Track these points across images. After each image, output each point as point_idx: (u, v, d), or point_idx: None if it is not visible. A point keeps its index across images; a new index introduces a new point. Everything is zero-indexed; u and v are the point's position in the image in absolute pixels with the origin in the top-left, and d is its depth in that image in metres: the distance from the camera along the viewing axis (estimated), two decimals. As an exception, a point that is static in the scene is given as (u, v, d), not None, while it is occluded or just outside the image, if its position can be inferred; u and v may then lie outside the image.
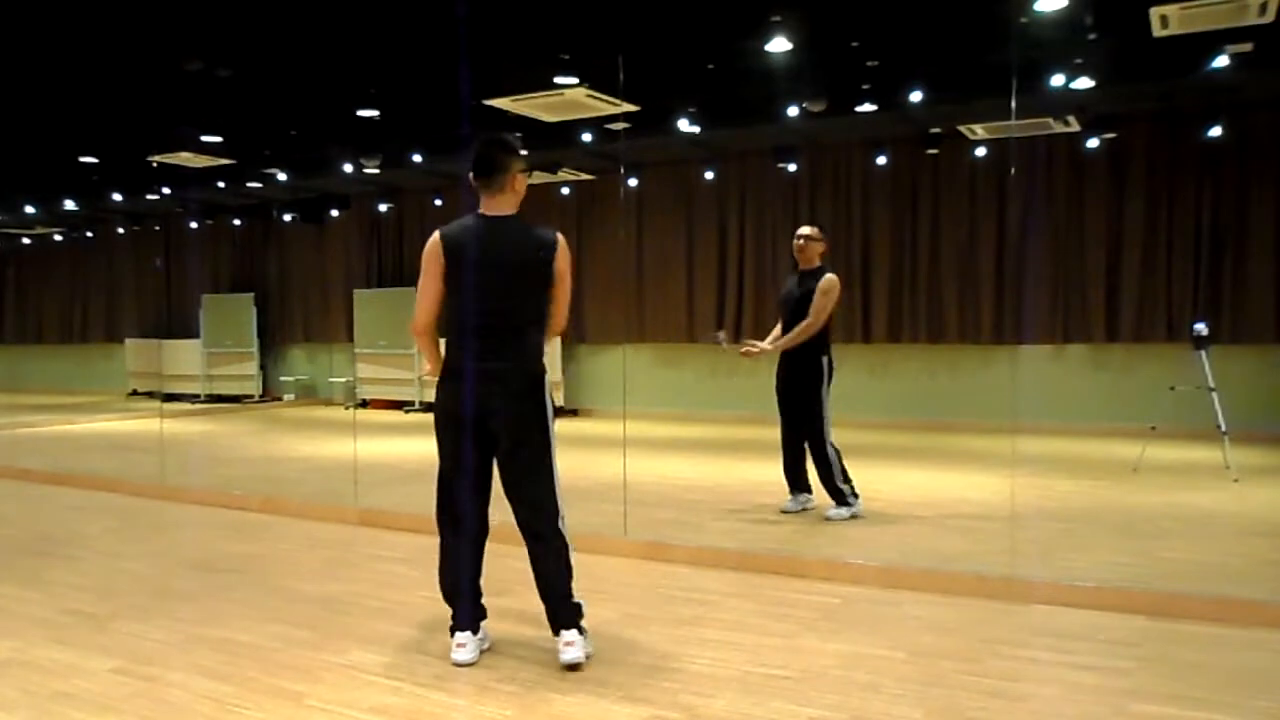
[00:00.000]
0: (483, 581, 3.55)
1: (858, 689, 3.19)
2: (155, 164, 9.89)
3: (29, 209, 13.44)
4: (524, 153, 3.53)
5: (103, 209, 13.84)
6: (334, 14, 5.99)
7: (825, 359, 5.62)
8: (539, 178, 10.67)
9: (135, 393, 15.13)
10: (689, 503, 6.31)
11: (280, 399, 14.22)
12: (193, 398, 14.44)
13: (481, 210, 3.45)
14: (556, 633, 3.41)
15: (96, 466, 8.11)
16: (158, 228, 14.60)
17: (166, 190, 12.36)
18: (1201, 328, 7.37)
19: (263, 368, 14.38)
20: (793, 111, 8.16)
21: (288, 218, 13.49)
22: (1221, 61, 6.61)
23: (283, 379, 14.37)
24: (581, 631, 3.41)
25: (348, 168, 10.80)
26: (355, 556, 5.14)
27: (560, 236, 3.51)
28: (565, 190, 11.72)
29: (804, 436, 5.72)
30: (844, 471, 5.66)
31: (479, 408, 3.36)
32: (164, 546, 5.46)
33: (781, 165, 10.26)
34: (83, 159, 10.10)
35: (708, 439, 9.63)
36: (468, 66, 6.57)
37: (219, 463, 8.41)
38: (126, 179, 11.55)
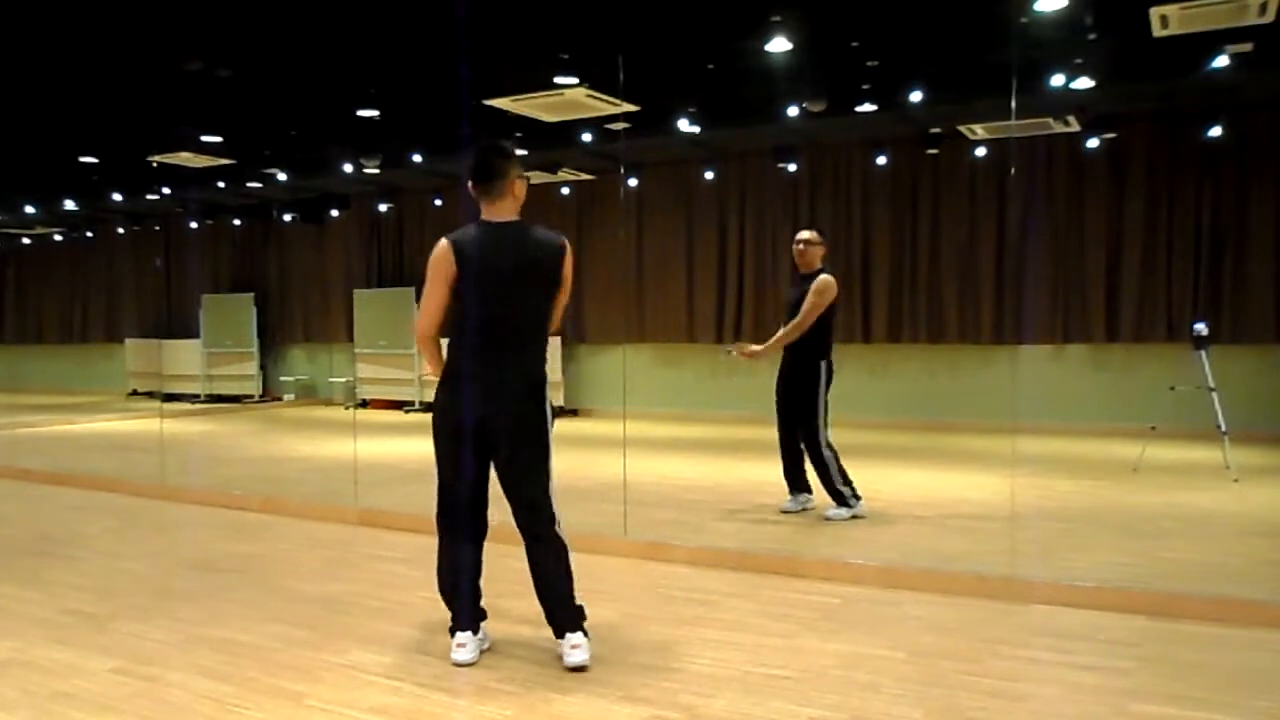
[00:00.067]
0: (482, 582, 3.55)
1: (858, 689, 3.19)
2: (155, 164, 9.89)
3: (29, 209, 13.44)
4: (523, 153, 3.54)
5: (103, 209, 13.84)
6: (334, 14, 5.99)
7: (824, 363, 5.62)
8: (539, 178, 10.67)
9: (135, 393, 15.13)
10: (689, 503, 6.30)
11: (280, 399, 14.22)
12: (193, 398, 14.44)
13: (485, 217, 3.45)
14: (560, 635, 3.41)
15: (96, 466, 8.11)
16: (158, 228, 14.60)
17: (166, 190, 12.36)
18: (1201, 328, 7.37)
19: (263, 368, 14.38)
20: (793, 111, 8.16)
21: (288, 218, 13.49)
22: (1221, 61, 6.61)
23: (283, 379, 14.37)
24: (585, 634, 3.41)
25: (348, 168, 10.80)
26: (355, 556, 5.14)
27: (565, 240, 3.53)
28: (565, 190, 11.72)
29: (799, 438, 5.73)
30: (843, 473, 5.66)
31: (482, 412, 3.37)
32: (164, 546, 5.46)
33: (781, 165, 10.26)
34: (83, 159, 10.10)
35: (708, 439, 9.63)
36: (468, 66, 6.57)
37: (219, 463, 8.41)
38: (126, 179, 11.55)
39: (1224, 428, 7.13)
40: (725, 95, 8.29)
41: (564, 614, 3.40)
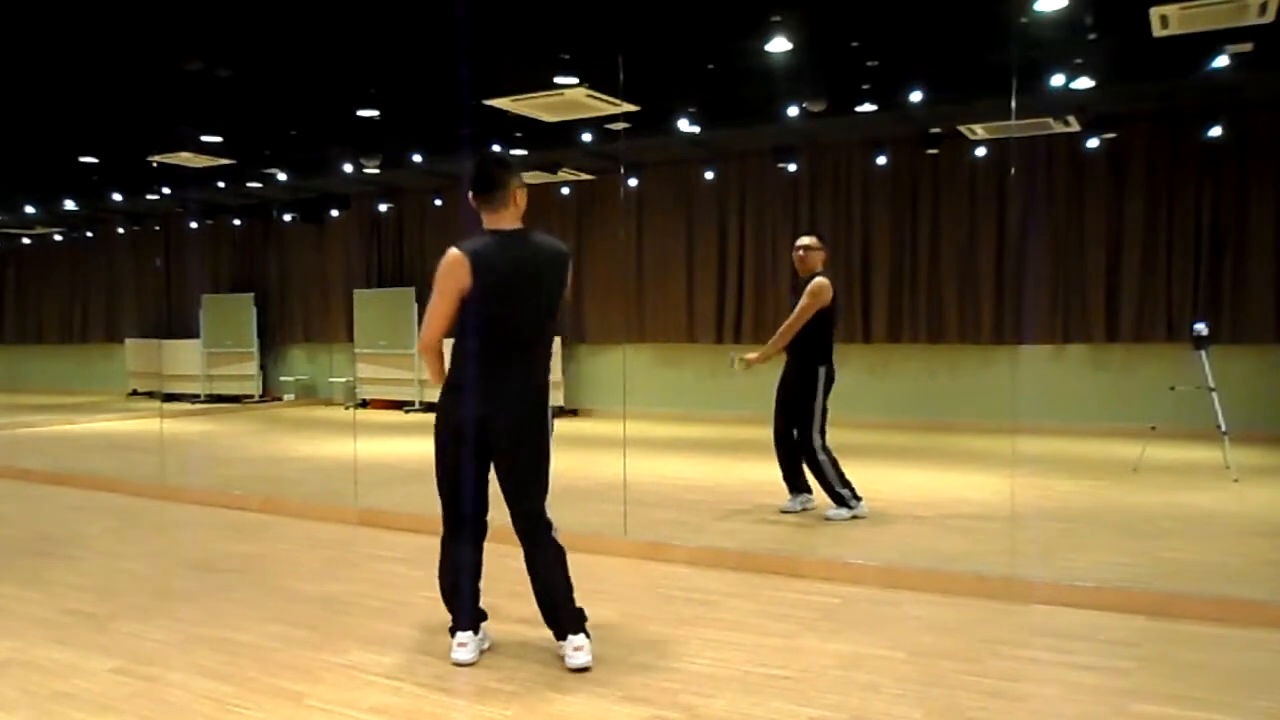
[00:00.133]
0: (482, 582, 3.55)
1: (858, 689, 3.19)
2: (155, 164, 9.89)
3: (29, 209, 13.43)
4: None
5: (103, 209, 13.84)
6: (334, 14, 5.99)
7: (823, 369, 5.62)
8: (539, 178, 10.67)
9: (135, 393, 15.13)
10: (689, 503, 6.31)
11: (280, 399, 14.22)
12: (193, 398, 14.44)
13: (491, 226, 3.45)
14: (562, 637, 3.41)
15: (96, 466, 8.11)
16: (158, 228, 14.60)
17: (166, 190, 12.35)
18: (1201, 328, 7.37)
19: (263, 368, 14.38)
20: (793, 111, 8.16)
21: (288, 218, 13.49)
22: (1221, 61, 6.61)
23: (283, 379, 14.37)
24: (587, 635, 3.42)
25: (348, 168, 10.80)
26: (355, 556, 5.14)
27: (565, 246, 3.58)
28: (565, 190, 11.72)
29: (794, 441, 5.74)
30: (840, 476, 5.66)
31: (488, 419, 3.38)
32: (164, 546, 5.46)
33: (781, 165, 10.26)
34: (83, 159, 10.10)
35: (708, 439, 9.63)
36: (468, 66, 6.57)
37: (219, 463, 8.41)
38: (126, 179, 11.55)
39: (1224, 428, 7.13)
40: (725, 95, 8.29)
41: (566, 617, 3.41)
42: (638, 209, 11.52)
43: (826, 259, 5.83)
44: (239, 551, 5.27)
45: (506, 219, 3.45)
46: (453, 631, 3.47)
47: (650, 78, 7.01)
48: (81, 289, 16.36)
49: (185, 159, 9.62)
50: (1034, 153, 9.36)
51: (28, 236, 16.24)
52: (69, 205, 13.25)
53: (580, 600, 3.47)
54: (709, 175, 10.95)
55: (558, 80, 7.02)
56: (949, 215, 10.08)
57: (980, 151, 9.55)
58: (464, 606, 3.47)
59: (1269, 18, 5.57)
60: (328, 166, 10.95)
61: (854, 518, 5.65)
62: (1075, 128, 8.50)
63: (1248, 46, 6.36)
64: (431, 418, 3.52)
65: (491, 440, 3.40)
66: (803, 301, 5.60)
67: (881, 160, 10.06)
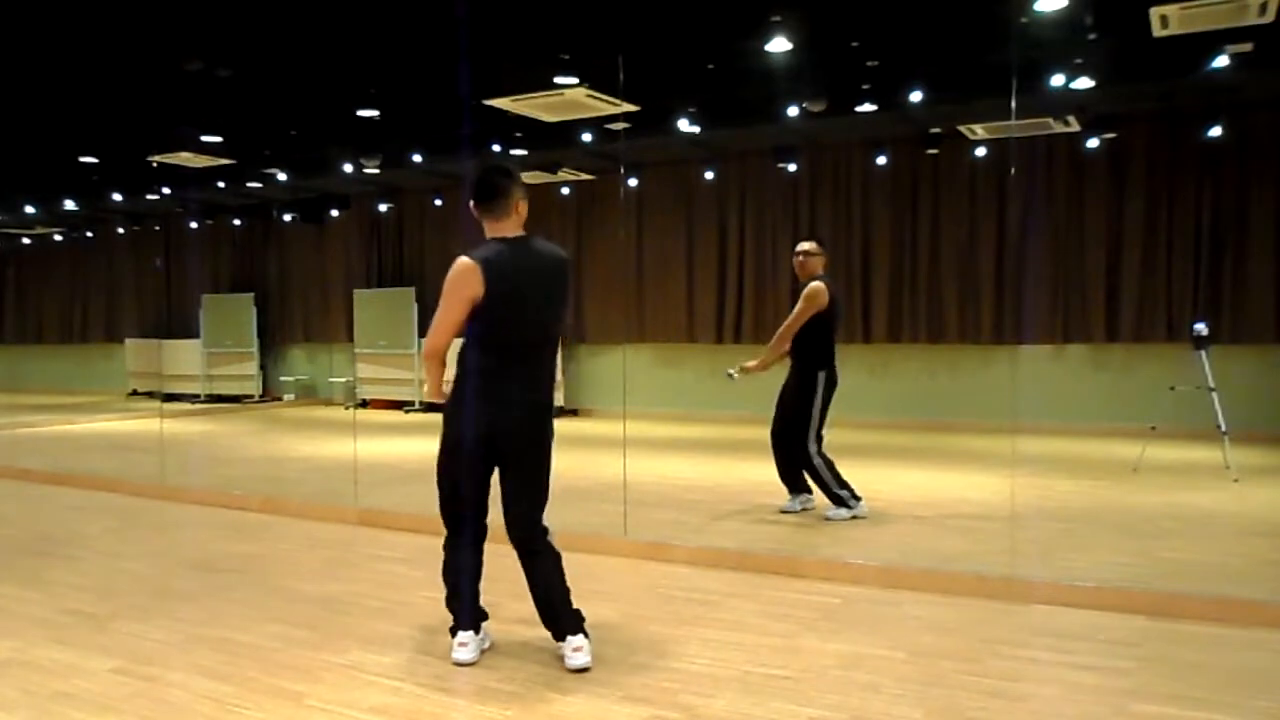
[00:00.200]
0: (482, 583, 3.55)
1: (858, 689, 3.19)
2: (155, 164, 9.89)
3: (29, 209, 13.43)
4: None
5: (103, 209, 13.84)
6: (334, 14, 5.99)
7: (822, 374, 5.62)
8: (539, 178, 10.67)
9: (135, 393, 15.13)
10: (689, 503, 6.31)
11: (280, 399, 14.22)
12: (193, 398, 14.44)
13: (496, 234, 3.45)
14: (561, 639, 3.42)
15: (96, 466, 8.11)
16: (158, 228, 14.60)
17: (166, 190, 12.35)
18: (1201, 328, 7.37)
19: (263, 368, 14.38)
20: (793, 111, 8.16)
21: (288, 218, 13.49)
22: (1221, 61, 6.61)
23: (283, 379, 14.37)
24: (586, 635, 3.42)
25: (348, 168, 10.80)
26: (355, 556, 5.14)
27: (564, 253, 3.61)
28: (565, 190, 11.71)
29: (789, 444, 5.75)
30: (837, 477, 5.66)
31: (496, 426, 3.38)
32: (164, 546, 5.46)
33: (781, 165, 10.26)
34: (83, 159, 10.10)
35: (708, 439, 9.63)
36: (468, 66, 6.57)
37: (219, 463, 8.41)
38: (126, 179, 11.55)
39: (1224, 428, 7.13)
40: (725, 95, 8.29)
41: (565, 619, 3.42)
42: (638, 209, 11.52)
43: (827, 264, 5.83)
44: (239, 551, 5.27)
45: (509, 227, 3.45)
46: (453, 631, 3.48)
47: (650, 78, 7.01)
48: (81, 289, 16.37)
49: (185, 159, 9.62)
50: (1034, 153, 9.37)
51: (28, 236, 16.25)
52: (69, 205, 13.25)
53: (580, 600, 3.47)
54: (709, 175, 10.95)
55: (558, 80, 7.02)
56: (949, 215, 10.08)
57: (980, 151, 9.55)
58: (464, 607, 3.48)
59: (1269, 18, 5.57)
60: (328, 166, 10.94)
61: (854, 518, 5.65)
62: (1075, 128, 8.50)
63: (1248, 46, 6.36)
64: (431, 418, 3.53)
65: (499, 445, 3.41)
66: (797, 306, 5.62)
67: (881, 160, 10.06)
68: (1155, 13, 5.58)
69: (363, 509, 6.03)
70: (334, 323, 13.70)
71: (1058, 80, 7.12)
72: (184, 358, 14.69)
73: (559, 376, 11.55)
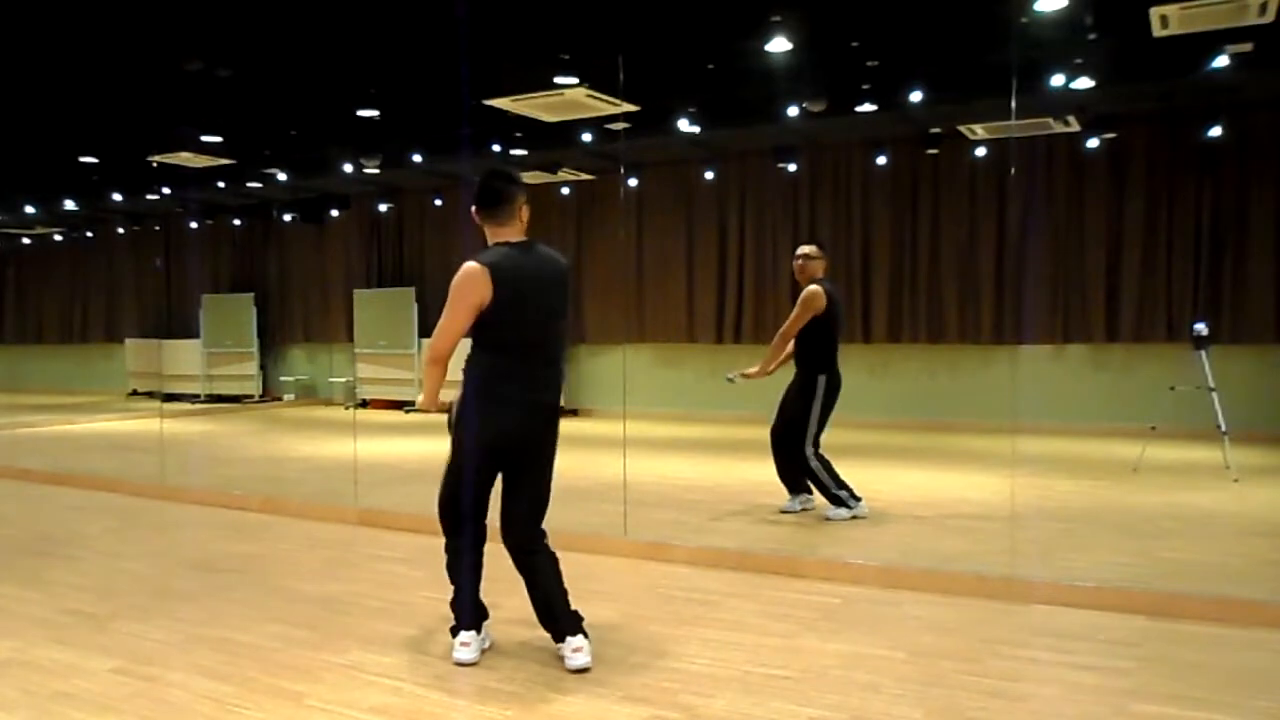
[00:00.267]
0: (482, 583, 3.55)
1: (858, 689, 3.19)
2: (155, 164, 9.89)
3: (29, 209, 13.43)
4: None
5: (103, 209, 13.84)
6: (334, 14, 5.99)
7: (823, 377, 5.61)
8: (539, 178, 10.67)
9: (135, 393, 15.13)
10: (689, 503, 6.31)
11: (280, 399, 14.22)
12: (193, 398, 14.44)
13: (500, 239, 3.44)
14: (561, 639, 3.42)
15: (96, 466, 8.11)
16: (158, 228, 14.60)
17: (166, 190, 12.35)
18: (1201, 328, 7.37)
19: (263, 368, 14.38)
20: (793, 111, 8.16)
21: (288, 218, 13.49)
22: (1221, 61, 6.61)
23: (283, 379, 14.37)
24: (586, 636, 3.42)
25: (348, 168, 10.80)
26: (355, 556, 5.14)
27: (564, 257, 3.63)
28: (565, 190, 11.72)
29: (788, 445, 5.75)
30: (835, 478, 5.66)
31: (507, 430, 3.39)
32: (164, 546, 5.46)
33: (781, 165, 10.26)
34: (83, 159, 10.10)
35: (708, 439, 9.63)
36: (468, 66, 6.57)
37: (219, 463, 8.41)
38: (126, 179, 11.55)
39: (1224, 428, 7.13)
40: (725, 95, 8.29)
41: (565, 620, 3.42)
42: (638, 209, 11.52)
43: (827, 267, 5.82)
44: (239, 551, 5.27)
45: (513, 231, 3.46)
46: (454, 631, 3.48)
47: (650, 78, 7.01)
48: (81, 289, 16.37)
49: (185, 159, 9.62)
50: (1034, 153, 9.36)
51: (28, 236, 16.25)
52: (69, 205, 13.25)
53: (580, 600, 3.48)
54: (709, 175, 10.95)
55: (558, 80, 7.02)
56: (949, 215, 10.08)
57: (980, 151, 9.55)
58: (465, 607, 3.48)
59: (1269, 18, 5.57)
60: (328, 166, 10.94)
61: (854, 518, 5.65)
62: (1075, 128, 8.50)
63: (1248, 46, 6.36)
64: (431, 418, 3.52)
65: (509, 447, 3.42)
66: (794, 311, 5.62)
67: (881, 160, 10.06)
68: (1155, 13, 5.58)
69: (363, 509, 6.03)
70: (334, 323, 13.71)
71: (1058, 80, 7.12)
72: (184, 358, 14.70)
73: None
